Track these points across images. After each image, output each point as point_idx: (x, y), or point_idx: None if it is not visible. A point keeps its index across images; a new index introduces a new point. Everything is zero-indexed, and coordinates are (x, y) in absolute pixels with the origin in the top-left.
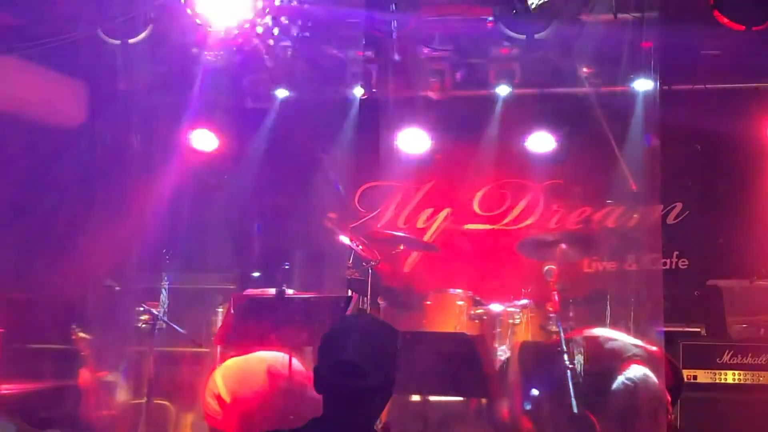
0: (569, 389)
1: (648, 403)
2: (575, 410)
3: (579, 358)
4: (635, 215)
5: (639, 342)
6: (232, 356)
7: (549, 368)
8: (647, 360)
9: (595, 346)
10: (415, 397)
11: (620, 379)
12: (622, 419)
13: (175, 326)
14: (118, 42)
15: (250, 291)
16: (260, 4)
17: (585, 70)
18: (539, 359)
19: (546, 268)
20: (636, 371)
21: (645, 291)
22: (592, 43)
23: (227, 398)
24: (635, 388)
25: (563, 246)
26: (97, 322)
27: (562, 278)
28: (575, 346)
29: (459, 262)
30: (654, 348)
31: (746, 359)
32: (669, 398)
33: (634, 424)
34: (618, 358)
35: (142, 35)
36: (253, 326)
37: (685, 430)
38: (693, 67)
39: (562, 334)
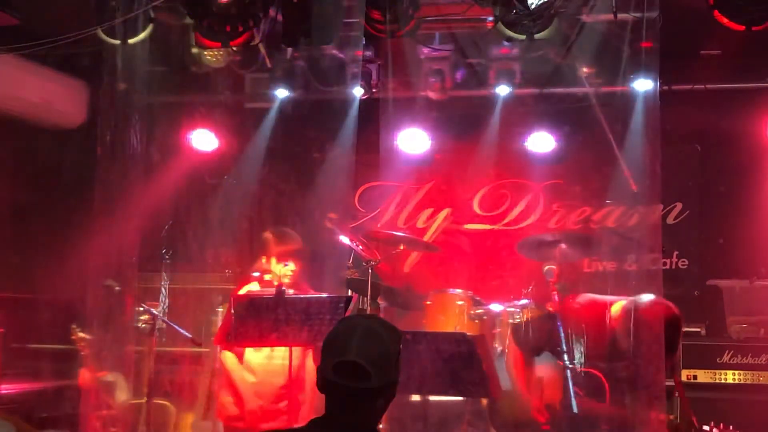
0: (569, 389)
1: (648, 315)
2: (575, 410)
3: (579, 358)
4: (635, 215)
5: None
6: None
7: (546, 331)
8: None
9: (587, 306)
10: (415, 397)
11: (615, 309)
12: (626, 338)
13: (176, 326)
14: (118, 42)
15: (250, 291)
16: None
17: (585, 70)
18: (534, 328)
19: (546, 268)
20: (626, 300)
21: (645, 291)
22: (592, 43)
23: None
24: (630, 305)
25: (563, 246)
26: (97, 322)
27: (562, 278)
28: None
29: (459, 262)
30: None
31: (746, 359)
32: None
33: (638, 339)
34: (607, 306)
35: (142, 35)
36: (253, 326)
37: (685, 430)
38: (693, 67)
39: (562, 335)
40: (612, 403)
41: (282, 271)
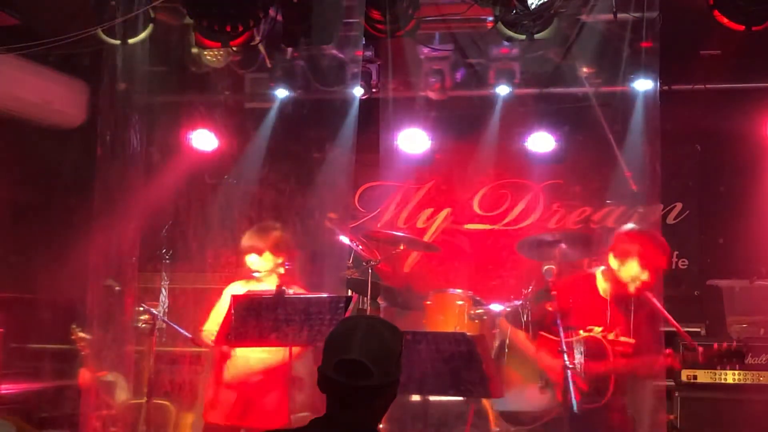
0: (569, 388)
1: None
2: (575, 410)
3: (579, 358)
4: (635, 215)
5: None
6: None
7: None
8: None
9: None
10: (415, 397)
11: (599, 273)
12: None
13: (176, 326)
14: (118, 42)
15: (250, 291)
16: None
17: (585, 70)
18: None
19: (545, 267)
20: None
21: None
22: (592, 43)
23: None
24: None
25: (563, 246)
26: (97, 322)
27: (562, 278)
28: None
29: (459, 262)
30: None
31: (746, 359)
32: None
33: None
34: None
35: (142, 35)
36: (253, 326)
37: (685, 430)
38: (693, 67)
39: (561, 334)
40: (614, 358)
41: (249, 266)
